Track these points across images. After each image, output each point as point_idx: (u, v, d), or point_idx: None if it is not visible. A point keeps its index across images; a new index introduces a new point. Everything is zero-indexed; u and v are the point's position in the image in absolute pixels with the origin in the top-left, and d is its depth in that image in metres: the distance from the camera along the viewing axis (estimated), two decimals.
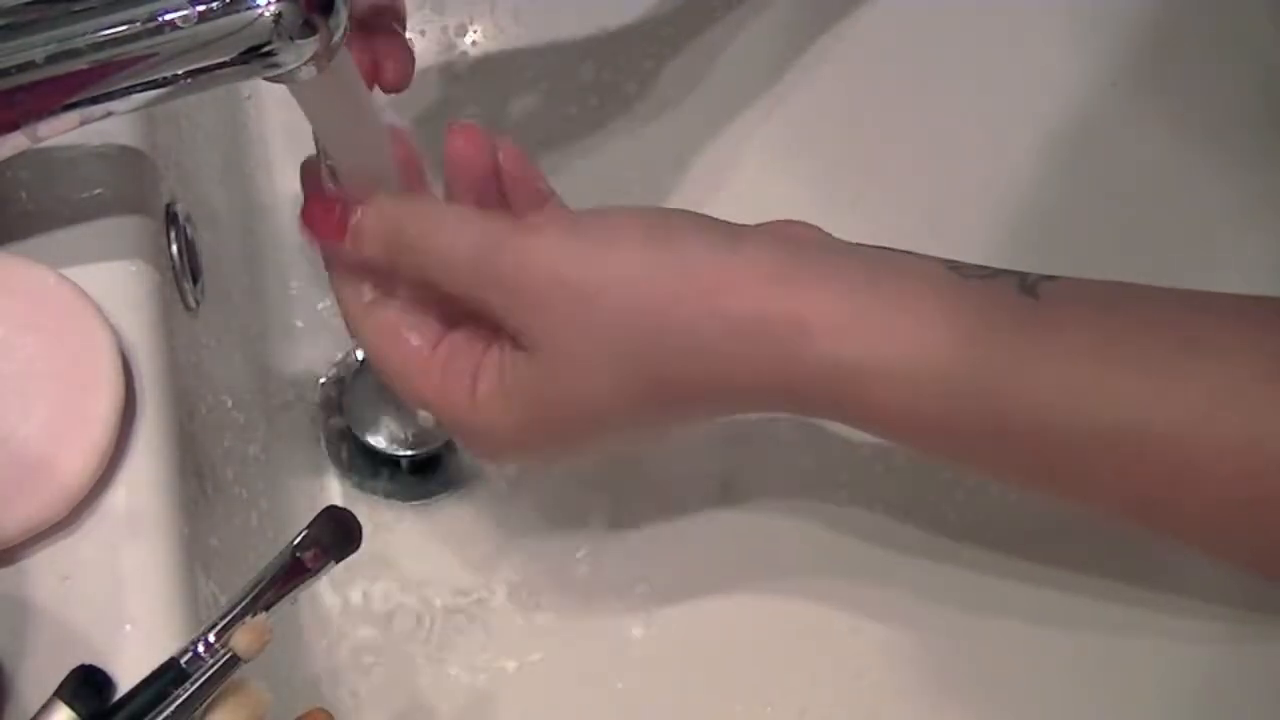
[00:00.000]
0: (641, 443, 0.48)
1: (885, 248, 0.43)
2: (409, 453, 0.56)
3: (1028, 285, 0.41)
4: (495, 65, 0.63)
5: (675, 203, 0.61)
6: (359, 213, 0.44)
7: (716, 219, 0.43)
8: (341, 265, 0.46)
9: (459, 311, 0.45)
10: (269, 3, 0.37)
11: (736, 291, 0.41)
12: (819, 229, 0.44)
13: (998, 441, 0.41)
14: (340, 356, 0.58)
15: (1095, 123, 0.60)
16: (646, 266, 0.42)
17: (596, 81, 0.63)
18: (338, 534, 0.38)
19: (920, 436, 0.42)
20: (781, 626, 0.53)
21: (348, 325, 0.46)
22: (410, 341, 0.45)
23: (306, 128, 0.44)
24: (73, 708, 0.35)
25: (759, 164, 0.62)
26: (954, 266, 0.42)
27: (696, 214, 0.43)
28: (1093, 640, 0.51)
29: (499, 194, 0.46)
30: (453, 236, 0.43)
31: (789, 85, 0.63)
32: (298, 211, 0.46)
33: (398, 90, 0.50)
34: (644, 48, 0.63)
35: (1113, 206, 0.59)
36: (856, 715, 0.52)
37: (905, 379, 0.40)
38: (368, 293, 0.46)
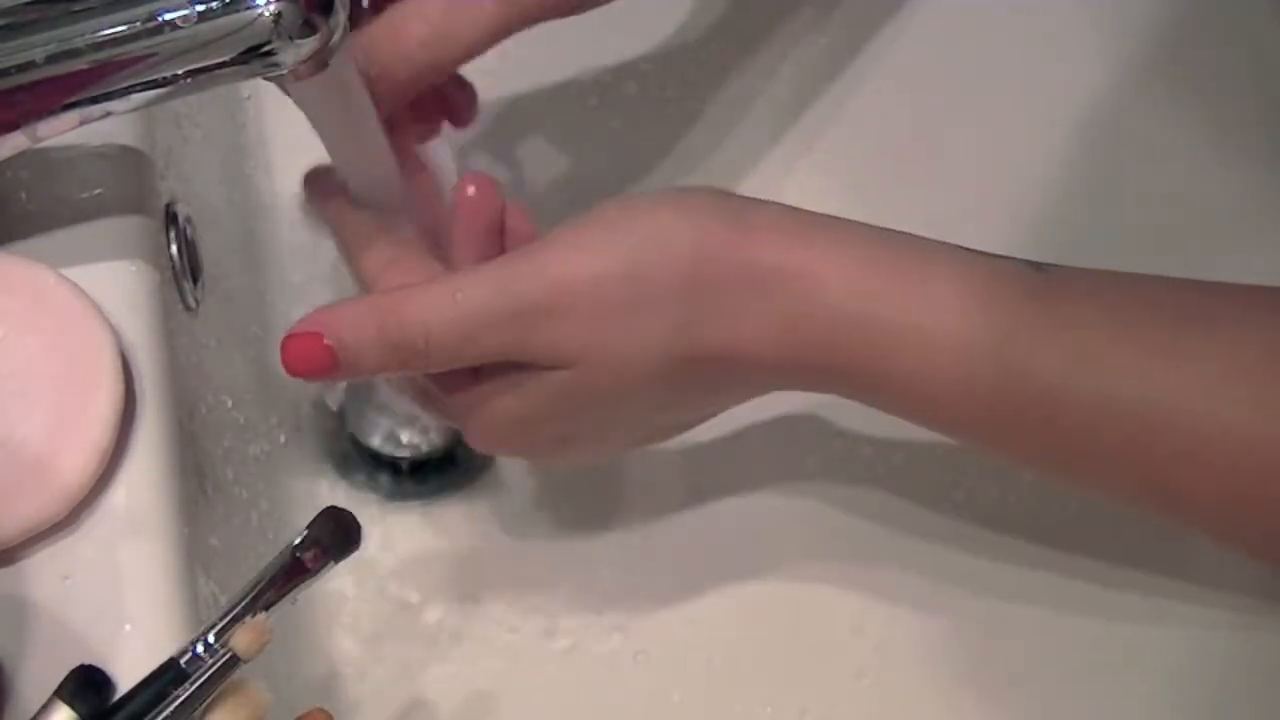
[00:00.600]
0: (653, 439, 0.48)
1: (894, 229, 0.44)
2: (409, 453, 0.56)
3: (1036, 265, 0.42)
4: (495, 65, 0.63)
5: None
6: (340, 334, 0.41)
7: (730, 193, 0.44)
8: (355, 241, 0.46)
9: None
10: (269, 3, 0.37)
11: (753, 247, 0.41)
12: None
13: (1005, 412, 0.41)
14: None
15: (1098, 125, 0.60)
16: (665, 239, 0.41)
17: (596, 82, 0.63)
18: (338, 534, 0.38)
19: (928, 402, 0.42)
20: (782, 626, 0.53)
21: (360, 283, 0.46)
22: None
23: (307, 128, 0.44)
24: (73, 708, 0.35)
25: (759, 163, 0.62)
26: (964, 248, 0.43)
27: (709, 186, 0.44)
28: (1099, 633, 0.51)
29: (499, 247, 0.46)
30: (466, 307, 0.41)
31: (791, 87, 0.63)
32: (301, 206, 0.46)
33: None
34: (644, 49, 0.63)
35: (1130, 208, 0.59)
36: (856, 715, 0.52)
37: (916, 338, 0.41)
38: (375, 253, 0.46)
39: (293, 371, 0.41)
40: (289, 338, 0.41)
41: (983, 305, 0.40)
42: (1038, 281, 0.41)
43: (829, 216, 0.43)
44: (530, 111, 0.62)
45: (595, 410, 0.43)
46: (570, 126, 0.62)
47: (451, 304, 0.41)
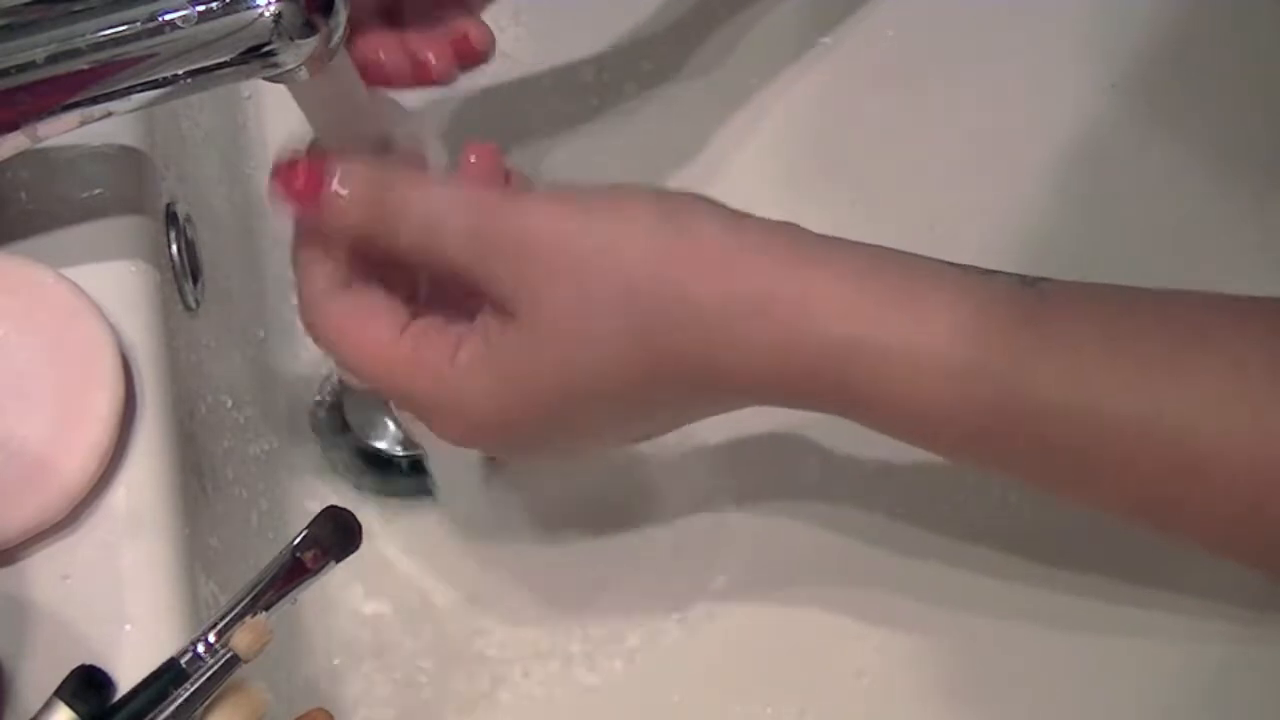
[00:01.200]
0: (629, 438, 0.47)
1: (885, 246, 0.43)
2: (409, 452, 0.56)
3: (1029, 281, 0.41)
4: (494, 65, 0.63)
5: None
6: (337, 175, 0.42)
7: (721, 203, 0.43)
8: (308, 251, 0.44)
9: (429, 298, 0.44)
10: (269, 3, 0.37)
11: (741, 270, 0.41)
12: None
13: (1000, 431, 0.40)
14: None
15: (1095, 126, 0.60)
16: (652, 240, 0.41)
17: (596, 82, 0.63)
18: (338, 534, 0.38)
19: (921, 424, 0.42)
20: (781, 628, 0.53)
21: (304, 316, 0.44)
22: (374, 324, 0.43)
23: (307, 128, 0.44)
24: (73, 708, 0.35)
25: (759, 166, 0.62)
26: (955, 265, 0.42)
27: (702, 196, 0.43)
28: (1096, 642, 0.51)
29: None
30: (445, 201, 0.42)
31: (791, 87, 0.63)
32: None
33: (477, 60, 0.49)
34: (644, 48, 0.63)
35: (1114, 211, 0.59)
36: (856, 716, 0.52)
37: (907, 361, 0.40)
38: (326, 280, 0.43)
39: (282, 182, 0.42)
40: (297, 163, 0.42)
41: (974, 327, 0.40)
42: (1031, 299, 0.41)
43: (820, 237, 0.43)
44: (527, 110, 0.62)
45: (572, 384, 0.42)
46: (568, 124, 0.62)
47: (437, 191, 0.42)
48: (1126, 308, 0.41)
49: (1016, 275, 0.42)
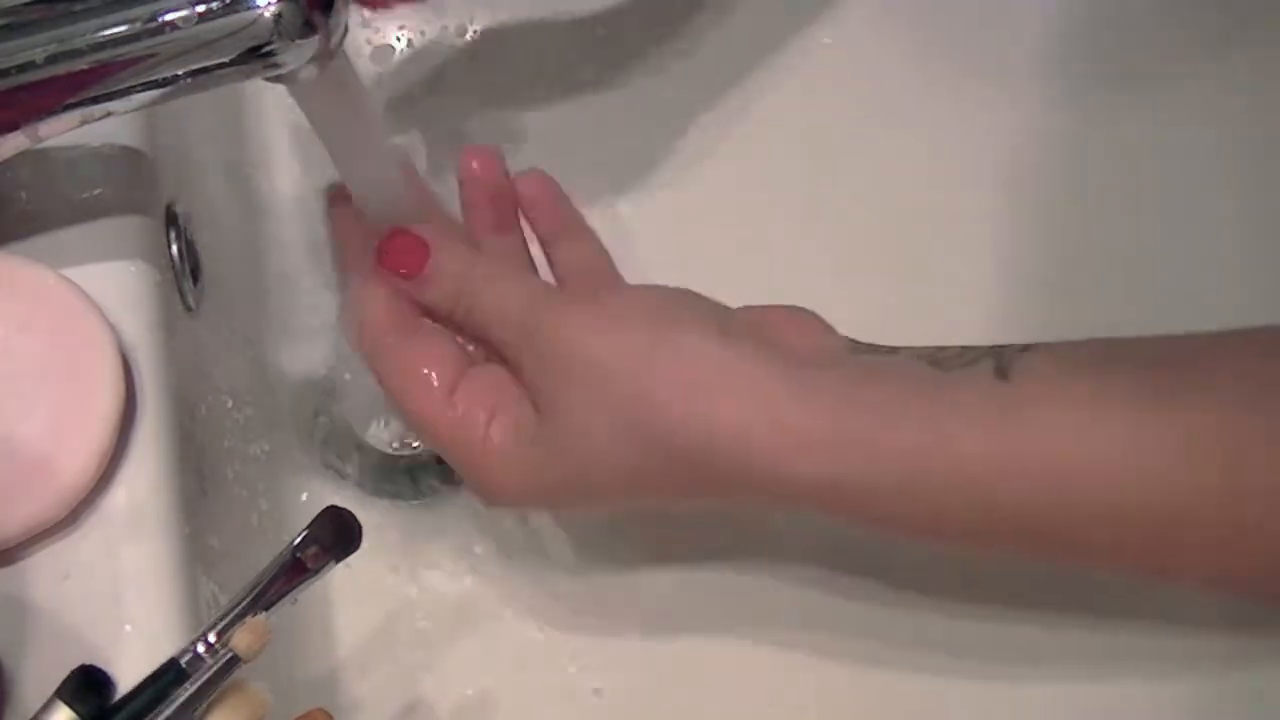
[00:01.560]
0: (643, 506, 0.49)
1: (872, 348, 0.45)
2: (408, 452, 0.56)
3: (1003, 367, 0.42)
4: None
5: (674, 203, 0.61)
6: (436, 252, 0.46)
7: (716, 306, 0.45)
8: (376, 287, 0.47)
9: (479, 355, 0.47)
10: (269, 3, 0.37)
11: (722, 397, 0.42)
12: (816, 322, 0.46)
13: (987, 529, 0.42)
14: (340, 356, 0.58)
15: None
16: (646, 355, 0.43)
17: (597, 81, 0.63)
18: (338, 534, 0.38)
19: (909, 534, 0.44)
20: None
21: (365, 346, 0.47)
22: (430, 382, 0.46)
23: (307, 128, 0.44)
24: (73, 708, 0.35)
25: (761, 161, 0.62)
26: (935, 360, 0.43)
27: (698, 301, 0.45)
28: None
29: (515, 217, 0.48)
30: (509, 291, 0.46)
31: (791, 83, 0.63)
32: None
33: None
34: (643, 48, 0.63)
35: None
36: None
37: (886, 490, 0.41)
38: (393, 317, 0.47)
39: (390, 256, 0.46)
40: (394, 235, 0.46)
41: (950, 443, 0.41)
42: (1003, 394, 0.41)
43: (802, 354, 0.44)
44: (527, 108, 0.62)
45: (576, 475, 0.45)
46: (569, 124, 0.62)
47: (511, 280, 0.46)
48: (1095, 374, 0.41)
49: (991, 359, 0.42)
